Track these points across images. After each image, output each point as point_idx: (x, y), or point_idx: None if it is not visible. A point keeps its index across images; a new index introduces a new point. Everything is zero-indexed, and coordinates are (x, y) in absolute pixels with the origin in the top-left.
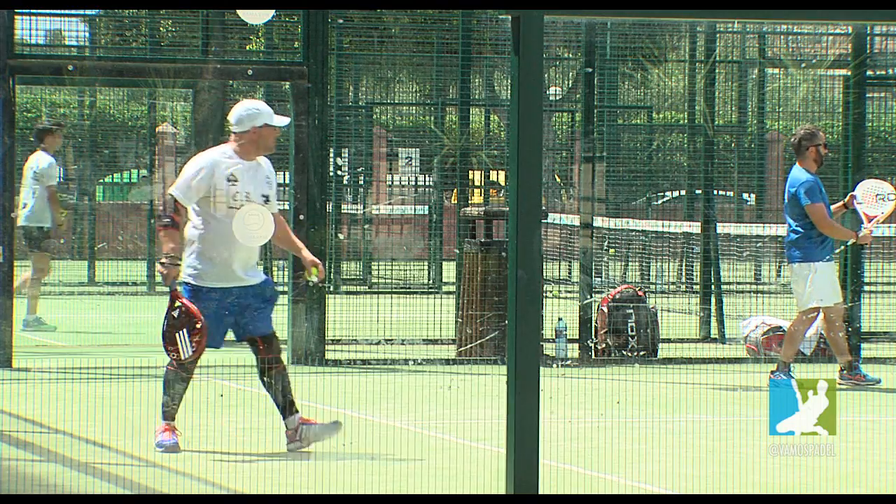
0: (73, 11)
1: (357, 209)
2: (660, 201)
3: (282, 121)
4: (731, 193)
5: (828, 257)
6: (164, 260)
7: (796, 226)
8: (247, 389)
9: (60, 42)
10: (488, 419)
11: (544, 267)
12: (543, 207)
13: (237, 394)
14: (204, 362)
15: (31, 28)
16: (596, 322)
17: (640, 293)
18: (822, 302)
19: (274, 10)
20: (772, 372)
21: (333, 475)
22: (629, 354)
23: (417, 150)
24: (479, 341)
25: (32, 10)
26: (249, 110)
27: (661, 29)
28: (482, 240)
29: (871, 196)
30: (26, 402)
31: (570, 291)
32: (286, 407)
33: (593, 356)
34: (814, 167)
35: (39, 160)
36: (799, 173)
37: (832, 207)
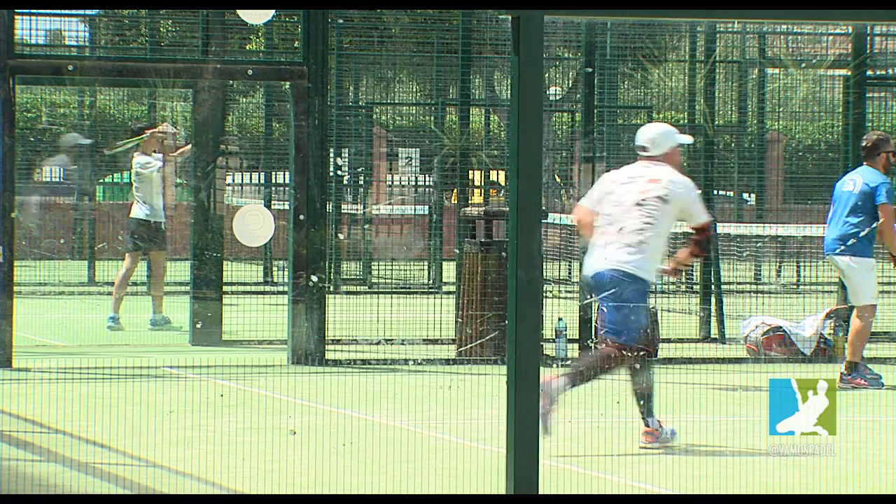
0: (73, 11)
1: (357, 209)
2: None
3: (688, 139)
4: (731, 193)
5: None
6: None
7: (858, 221)
8: (247, 389)
9: (60, 42)
10: (488, 419)
11: (544, 267)
12: (543, 207)
13: (237, 394)
14: (204, 362)
15: (31, 28)
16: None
17: None
18: (874, 299)
19: (274, 10)
20: (841, 373)
21: (333, 475)
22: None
23: (417, 150)
24: (479, 341)
25: (32, 10)
26: (665, 132)
27: (661, 29)
28: (482, 240)
29: None
30: (26, 402)
31: (570, 291)
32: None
33: None
34: (882, 171)
35: (139, 160)
36: (875, 174)
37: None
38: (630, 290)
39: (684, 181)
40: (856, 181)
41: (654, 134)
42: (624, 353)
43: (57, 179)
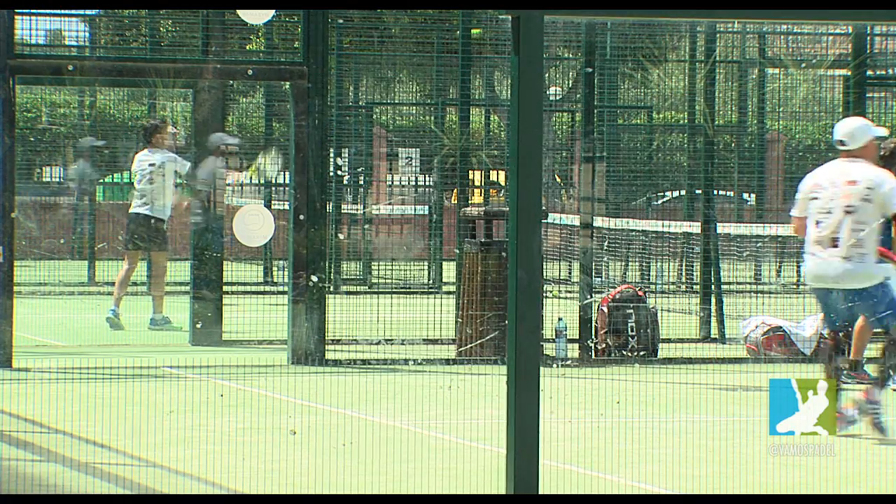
0: (73, 11)
1: (357, 209)
2: (660, 201)
3: (884, 131)
4: (731, 193)
5: None
6: None
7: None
8: (247, 389)
9: (60, 42)
10: (488, 419)
11: (544, 267)
12: (543, 207)
13: (237, 394)
14: (204, 362)
15: (31, 28)
16: (596, 322)
17: (640, 293)
18: None
19: (274, 10)
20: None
21: (333, 475)
22: (629, 354)
23: (417, 150)
24: (479, 341)
25: (32, 10)
26: (862, 125)
27: (661, 29)
28: (482, 240)
29: None
30: (26, 402)
31: (570, 291)
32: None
33: (593, 356)
34: None
35: (159, 157)
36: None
37: None
38: (867, 294)
39: (881, 175)
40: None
41: (852, 128)
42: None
43: (57, 179)
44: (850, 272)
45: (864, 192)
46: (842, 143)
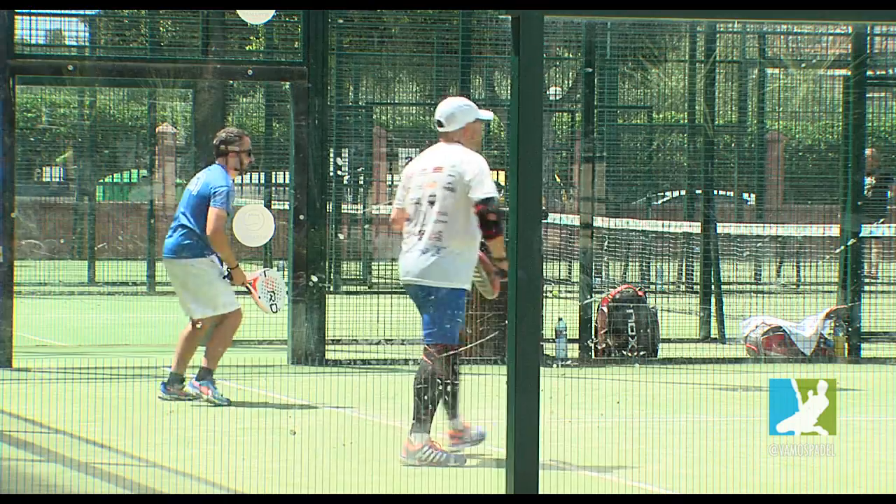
0: (73, 11)
1: (357, 209)
2: (660, 201)
3: (489, 115)
4: (731, 193)
5: None
6: None
7: None
8: (247, 389)
9: (60, 42)
10: (488, 419)
11: (544, 267)
12: (543, 207)
13: (237, 394)
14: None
15: (31, 28)
16: (596, 322)
17: (640, 293)
18: None
19: (274, 10)
20: None
21: (333, 475)
22: (629, 354)
23: (417, 150)
24: (479, 341)
25: (32, 10)
26: (462, 105)
27: (661, 29)
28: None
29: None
30: (26, 402)
31: (570, 291)
32: None
33: (593, 356)
34: None
35: None
36: None
37: None
38: (435, 294)
39: (466, 160)
40: None
41: (451, 108)
42: None
43: (57, 179)
44: (425, 267)
45: (446, 180)
46: (439, 124)
